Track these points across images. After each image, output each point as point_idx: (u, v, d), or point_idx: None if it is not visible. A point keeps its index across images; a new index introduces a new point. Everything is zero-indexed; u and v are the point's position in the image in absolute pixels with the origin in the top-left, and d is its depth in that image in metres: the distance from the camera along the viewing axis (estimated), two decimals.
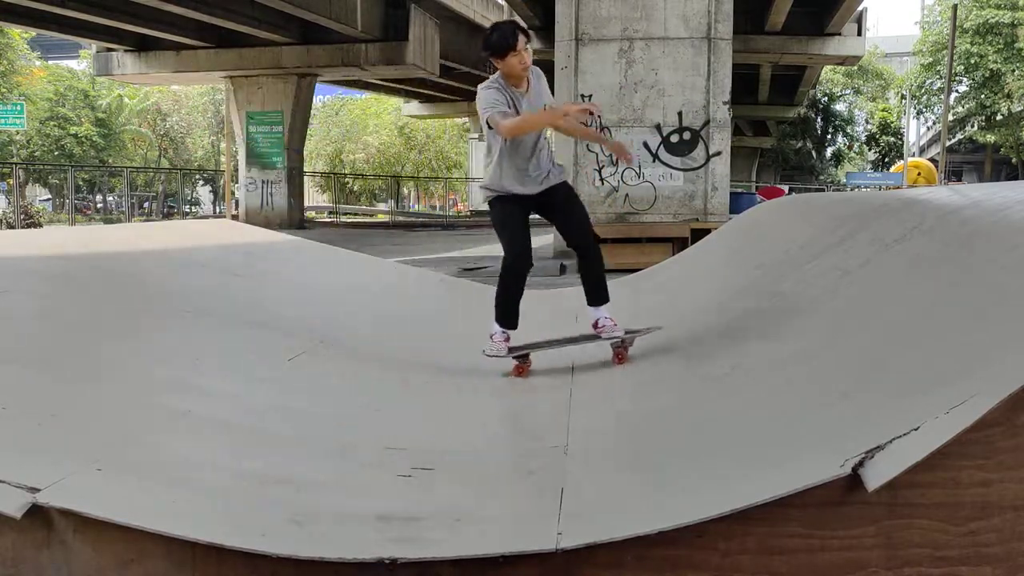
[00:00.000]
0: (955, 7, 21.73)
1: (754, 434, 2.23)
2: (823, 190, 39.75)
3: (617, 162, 12.24)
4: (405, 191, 51.52)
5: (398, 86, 33.24)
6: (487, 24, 27.75)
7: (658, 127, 12.12)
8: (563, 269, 10.91)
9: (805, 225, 4.85)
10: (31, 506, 1.63)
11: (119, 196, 35.93)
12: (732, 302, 4.12)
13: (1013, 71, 34.56)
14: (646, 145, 12.19)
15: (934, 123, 44.80)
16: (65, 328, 3.12)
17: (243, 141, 24.79)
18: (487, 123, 3.55)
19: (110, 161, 40.13)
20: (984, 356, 1.85)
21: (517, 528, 1.87)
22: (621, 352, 3.53)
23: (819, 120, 50.56)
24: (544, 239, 17.67)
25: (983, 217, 2.90)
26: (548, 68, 15.36)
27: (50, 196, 42.00)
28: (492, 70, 3.64)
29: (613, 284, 6.24)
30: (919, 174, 32.79)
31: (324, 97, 46.88)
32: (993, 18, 33.91)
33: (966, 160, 52.92)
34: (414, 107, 39.38)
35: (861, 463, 1.56)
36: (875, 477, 1.52)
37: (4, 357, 2.57)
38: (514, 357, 3.56)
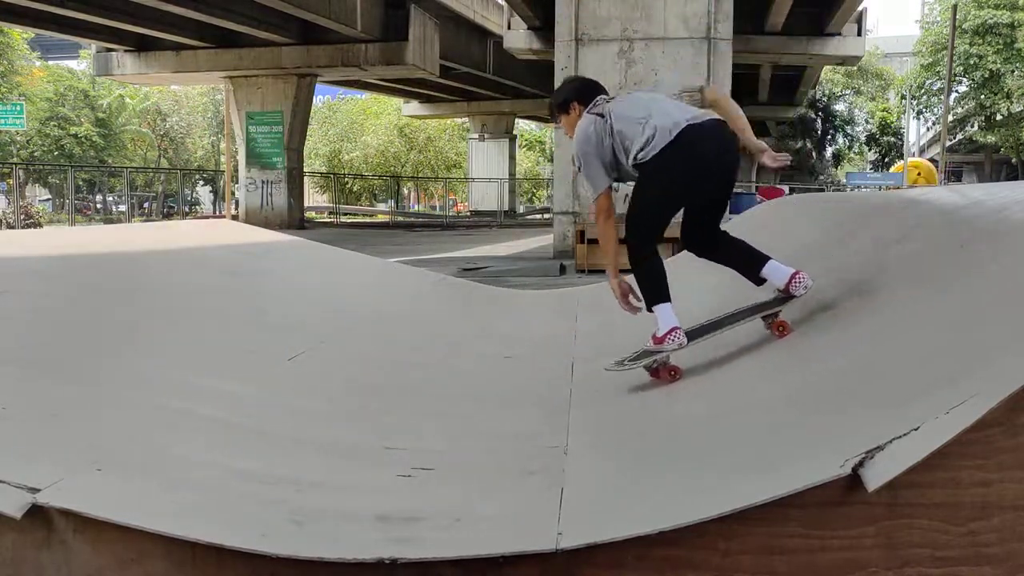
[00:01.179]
0: (955, 7, 21.74)
1: (754, 434, 2.23)
2: (823, 190, 39.73)
3: None
4: (405, 191, 51.56)
5: (398, 86, 33.26)
6: (487, 24, 27.91)
7: None
8: (563, 269, 10.92)
9: (805, 225, 4.85)
10: (31, 506, 1.63)
11: (119, 196, 35.96)
12: (731, 302, 4.12)
13: (1012, 72, 34.57)
14: None
15: (934, 123, 44.82)
16: (65, 328, 3.12)
17: (243, 141, 24.80)
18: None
19: (110, 161, 40.14)
20: (984, 356, 1.85)
21: (517, 528, 1.87)
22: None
23: (819, 120, 50.59)
24: (544, 239, 17.70)
25: (983, 217, 2.90)
26: (548, 68, 15.39)
27: (50, 196, 42.00)
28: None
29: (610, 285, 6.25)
30: (919, 174, 32.79)
31: (323, 97, 46.93)
32: (992, 19, 33.92)
33: (966, 160, 52.90)
34: (414, 107, 39.41)
35: (861, 463, 1.56)
36: (875, 477, 1.52)
37: (4, 357, 2.57)
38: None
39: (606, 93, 3.38)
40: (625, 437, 2.65)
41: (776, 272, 3.18)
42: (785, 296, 3.15)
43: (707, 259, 3.45)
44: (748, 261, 3.30)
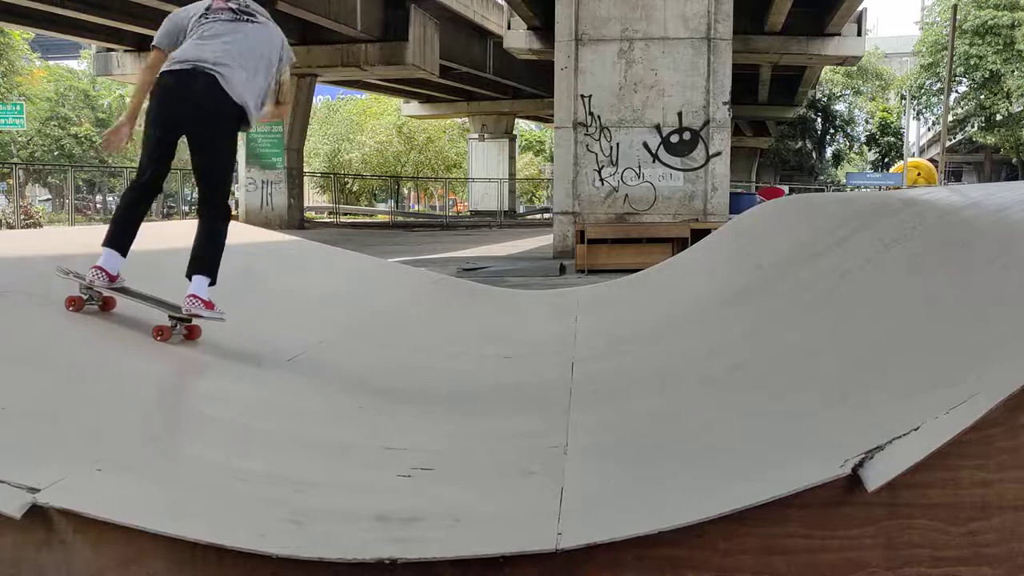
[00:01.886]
0: (955, 7, 21.77)
1: (754, 434, 2.23)
2: (823, 190, 39.76)
3: (617, 162, 12.26)
4: (405, 191, 51.55)
5: (398, 86, 33.25)
6: (487, 24, 27.91)
7: (658, 127, 12.13)
8: (563, 269, 10.93)
9: (805, 225, 4.85)
10: (31, 506, 1.63)
11: (119, 196, 35.93)
12: (732, 302, 4.12)
13: (1012, 72, 34.54)
14: (646, 145, 12.21)
15: (934, 123, 44.80)
16: (65, 328, 3.12)
17: (243, 141, 24.80)
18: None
19: (110, 161, 40.13)
20: (984, 356, 1.85)
21: (517, 528, 1.87)
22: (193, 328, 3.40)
23: (819, 120, 50.62)
24: (544, 239, 17.71)
25: (983, 217, 2.90)
26: (548, 68, 15.41)
27: (50, 196, 41.99)
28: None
29: (611, 284, 6.26)
30: (919, 174, 32.81)
31: (323, 97, 46.92)
32: (992, 19, 33.88)
33: (966, 160, 52.91)
34: (414, 107, 39.40)
35: (861, 463, 1.56)
36: (875, 477, 1.52)
37: (4, 357, 2.57)
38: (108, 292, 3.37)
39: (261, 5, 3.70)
40: (625, 437, 2.65)
41: (193, 285, 3.33)
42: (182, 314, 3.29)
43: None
44: (197, 255, 3.43)
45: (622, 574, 1.63)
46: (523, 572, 1.64)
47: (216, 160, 3.47)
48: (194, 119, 3.36)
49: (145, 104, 3.48)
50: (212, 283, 3.37)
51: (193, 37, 3.42)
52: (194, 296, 3.27)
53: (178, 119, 3.37)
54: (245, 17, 3.56)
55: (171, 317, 3.30)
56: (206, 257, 3.41)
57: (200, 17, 3.49)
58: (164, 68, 3.37)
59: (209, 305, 3.28)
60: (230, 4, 3.54)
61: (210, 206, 3.51)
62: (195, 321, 3.32)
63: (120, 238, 3.37)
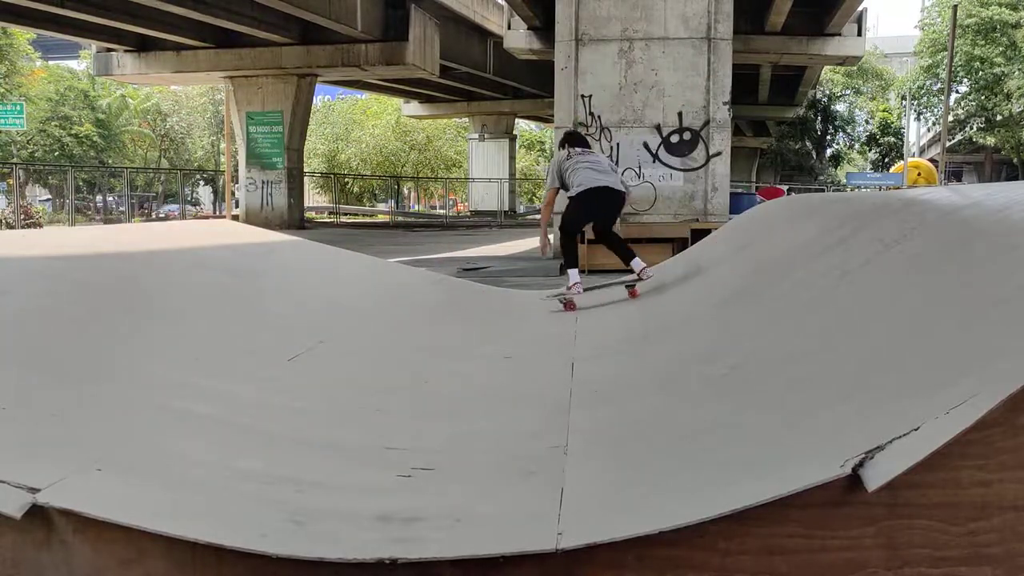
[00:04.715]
0: (955, 7, 21.77)
1: (754, 434, 2.23)
2: (823, 190, 39.75)
3: (617, 162, 12.25)
4: (405, 191, 51.56)
5: (398, 86, 33.26)
6: (487, 24, 27.94)
7: (658, 127, 12.12)
8: (563, 269, 10.93)
9: (805, 225, 4.84)
10: (31, 506, 1.63)
11: (119, 196, 35.96)
12: (732, 302, 4.12)
13: (1015, 73, 34.46)
14: (646, 145, 12.20)
15: (934, 124, 44.76)
16: (65, 328, 3.12)
17: (243, 141, 24.80)
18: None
19: (110, 161, 40.13)
20: (984, 356, 1.85)
21: (517, 528, 1.87)
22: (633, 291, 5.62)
23: (819, 120, 50.61)
24: None
25: (983, 217, 2.90)
26: (548, 68, 15.42)
27: (50, 196, 41.99)
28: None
29: (611, 284, 6.26)
30: (919, 174, 32.79)
31: (323, 97, 46.93)
32: (997, 15, 33.72)
33: (966, 161, 52.89)
34: (414, 107, 39.41)
35: (861, 463, 1.56)
36: (875, 477, 1.52)
37: (4, 357, 2.57)
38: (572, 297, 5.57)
39: (586, 146, 6.17)
40: (625, 437, 2.65)
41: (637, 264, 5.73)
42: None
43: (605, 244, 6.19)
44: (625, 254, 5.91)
45: (622, 574, 1.63)
46: (523, 572, 1.64)
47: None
48: (608, 208, 6.00)
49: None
50: None
51: (581, 169, 5.81)
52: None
53: (597, 208, 5.95)
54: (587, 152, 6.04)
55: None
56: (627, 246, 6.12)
57: (569, 160, 5.94)
58: (583, 188, 5.75)
59: None
60: (578, 151, 5.99)
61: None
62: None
63: (574, 261, 5.86)
